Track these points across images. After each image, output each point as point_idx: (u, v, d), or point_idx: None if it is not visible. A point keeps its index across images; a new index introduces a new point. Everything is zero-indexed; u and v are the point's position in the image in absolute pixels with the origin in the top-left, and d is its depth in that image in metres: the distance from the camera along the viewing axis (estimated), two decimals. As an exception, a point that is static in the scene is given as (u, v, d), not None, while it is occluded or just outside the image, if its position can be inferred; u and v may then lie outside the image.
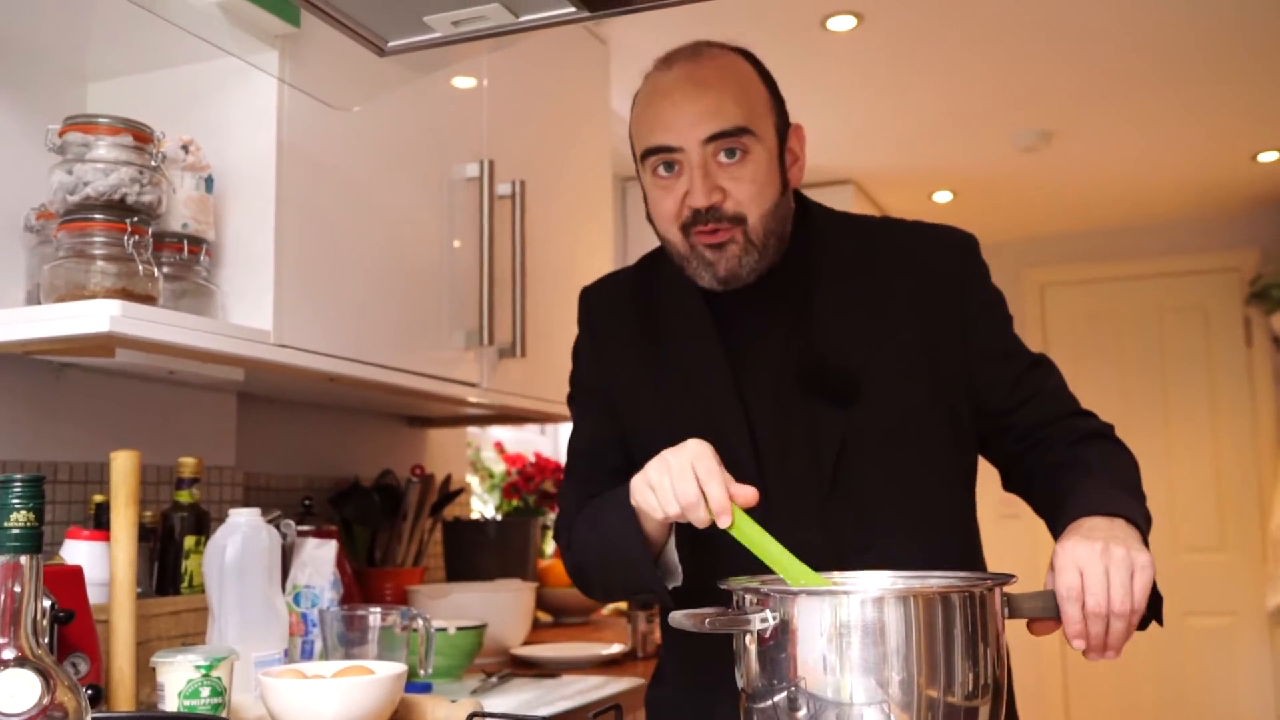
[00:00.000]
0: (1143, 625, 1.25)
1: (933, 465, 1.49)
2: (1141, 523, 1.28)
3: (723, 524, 1.21)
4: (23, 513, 0.90)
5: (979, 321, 1.53)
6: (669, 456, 1.25)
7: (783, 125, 1.50)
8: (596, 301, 1.66)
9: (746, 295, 1.50)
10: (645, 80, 1.52)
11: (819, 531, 1.41)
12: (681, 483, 1.23)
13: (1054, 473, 1.44)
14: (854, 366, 1.47)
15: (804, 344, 1.49)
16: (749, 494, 1.22)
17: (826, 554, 1.32)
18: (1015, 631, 1.20)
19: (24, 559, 0.90)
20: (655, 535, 1.36)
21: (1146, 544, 1.25)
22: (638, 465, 1.33)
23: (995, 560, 1.51)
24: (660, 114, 1.45)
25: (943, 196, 4.87)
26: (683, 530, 1.38)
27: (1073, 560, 1.18)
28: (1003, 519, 3.36)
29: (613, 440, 1.58)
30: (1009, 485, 1.56)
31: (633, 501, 1.31)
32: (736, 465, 1.34)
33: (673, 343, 1.55)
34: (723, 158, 1.43)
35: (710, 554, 1.37)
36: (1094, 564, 1.17)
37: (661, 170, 1.46)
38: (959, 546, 1.51)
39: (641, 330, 1.58)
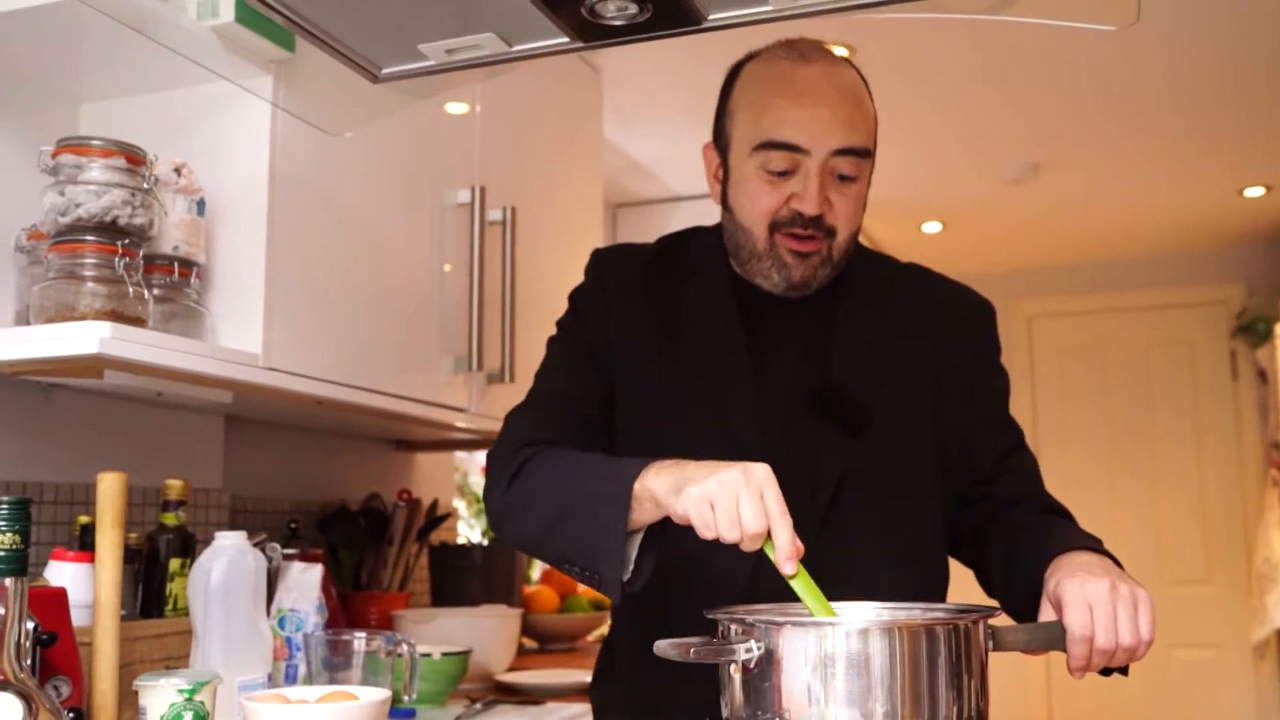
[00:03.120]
0: (1107, 674, 1.26)
1: (922, 511, 1.49)
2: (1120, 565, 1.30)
3: (787, 571, 1.14)
4: (8, 535, 0.90)
5: (985, 388, 1.56)
6: (741, 479, 1.16)
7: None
8: (612, 267, 1.61)
9: (774, 305, 1.49)
10: (767, 63, 1.47)
11: (808, 557, 1.41)
12: (751, 511, 1.14)
13: (1018, 532, 1.43)
14: (867, 399, 1.47)
15: (822, 367, 1.48)
16: (801, 547, 1.16)
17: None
18: (1000, 662, 1.21)
19: (8, 581, 0.90)
20: (634, 528, 1.28)
21: None
22: (625, 436, 1.29)
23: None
24: (795, 111, 1.41)
25: (932, 227, 4.89)
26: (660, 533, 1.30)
27: (1083, 598, 1.19)
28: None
29: (594, 393, 1.52)
30: (958, 553, 1.56)
31: (678, 508, 1.20)
32: None
33: (693, 333, 1.51)
34: (840, 172, 1.42)
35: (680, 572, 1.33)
36: (1104, 602, 1.18)
37: (775, 166, 1.42)
38: (934, 591, 1.52)
39: (657, 310, 1.54)
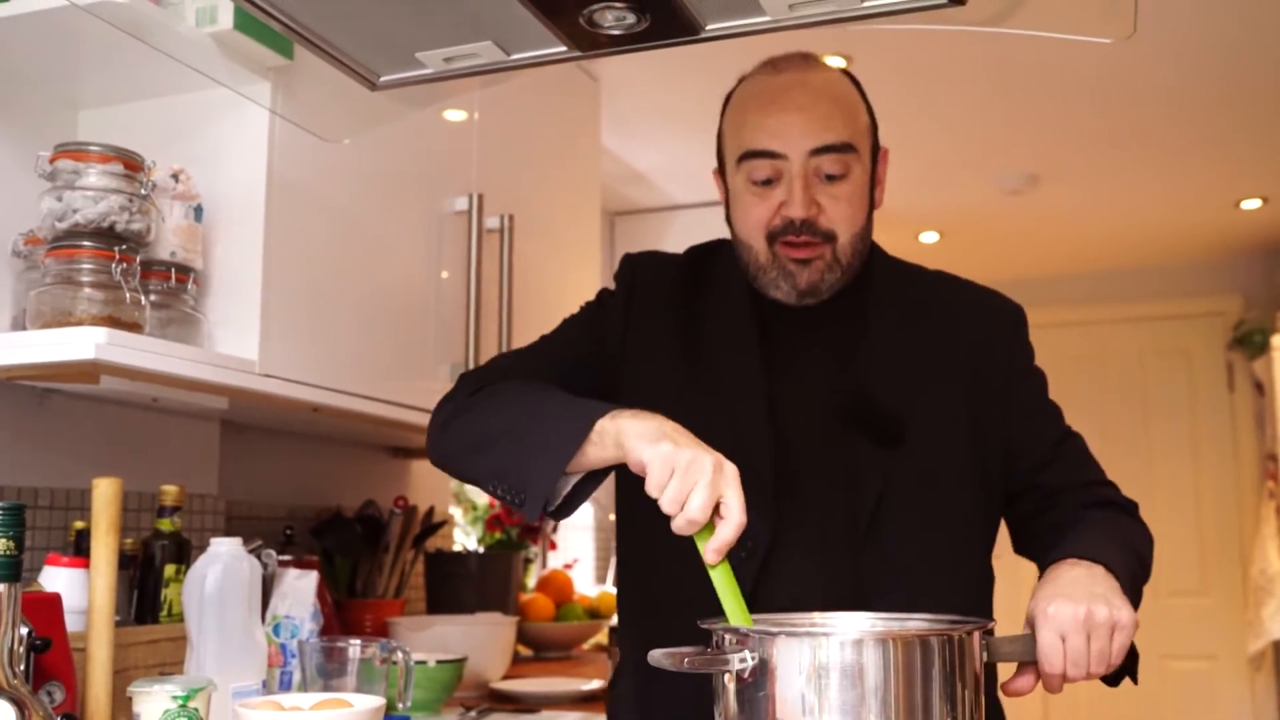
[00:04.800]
0: (1114, 681, 1.26)
1: (962, 519, 1.48)
2: (1122, 573, 1.28)
3: (709, 560, 1.15)
4: (2, 540, 0.90)
5: (1023, 385, 1.55)
6: (710, 465, 1.15)
7: (875, 148, 1.51)
8: (642, 272, 1.61)
9: (796, 318, 1.49)
10: (747, 82, 1.50)
11: (850, 570, 1.39)
12: (699, 499, 1.14)
13: (1058, 530, 1.44)
14: (901, 409, 1.46)
15: (852, 379, 1.47)
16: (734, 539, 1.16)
17: (851, 592, 1.31)
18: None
19: (2, 587, 0.90)
20: (584, 464, 1.25)
21: (1130, 595, 1.26)
22: None
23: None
24: (766, 119, 1.43)
25: (929, 237, 4.90)
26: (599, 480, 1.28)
27: (1056, 624, 1.19)
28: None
29: (587, 370, 1.52)
30: (1018, 548, 1.56)
31: (644, 453, 1.18)
32: (754, 485, 1.25)
33: (711, 346, 1.52)
34: (825, 172, 1.42)
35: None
36: (1076, 632, 1.18)
37: (758, 175, 1.43)
38: (978, 598, 1.50)
39: (679, 321, 1.54)
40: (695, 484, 1.14)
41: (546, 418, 1.29)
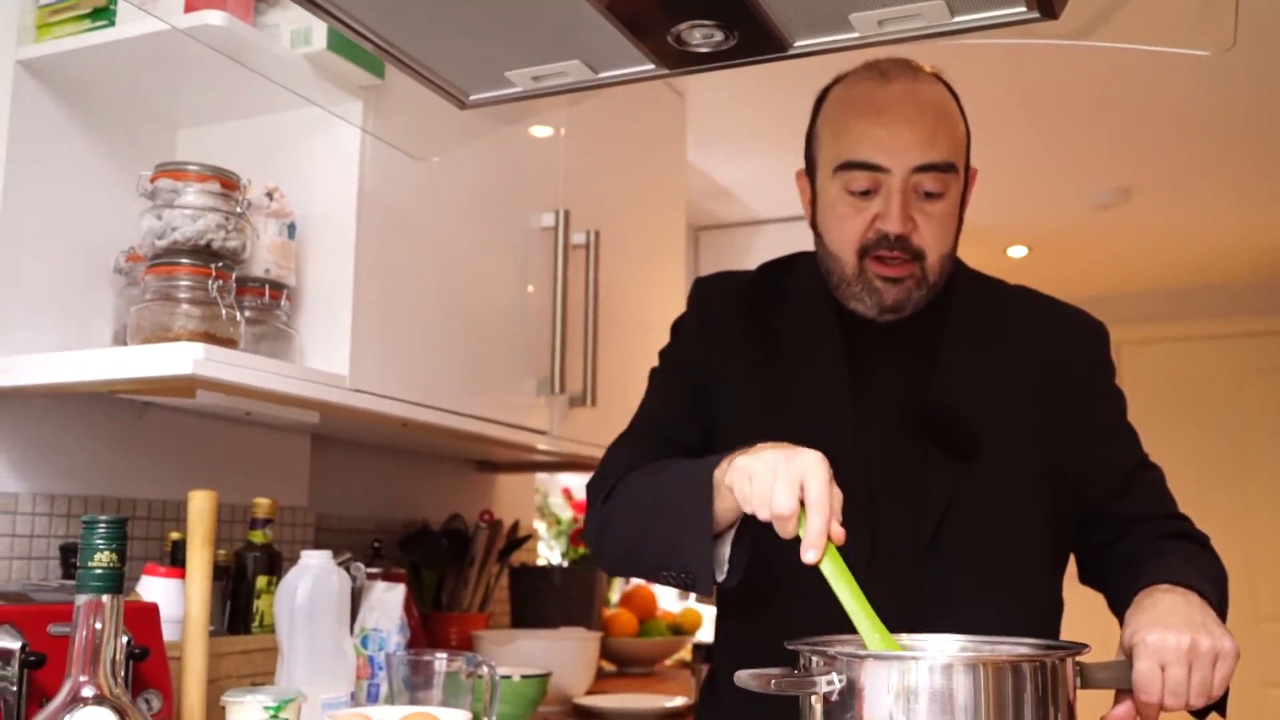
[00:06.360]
0: (1203, 714, 1.23)
1: (1031, 539, 1.46)
2: (1214, 601, 1.25)
3: (807, 559, 1.13)
4: (106, 553, 0.92)
5: (1101, 408, 1.52)
6: (783, 459, 1.15)
7: (968, 166, 1.49)
8: (713, 295, 1.61)
9: (875, 330, 1.47)
10: (849, 84, 1.47)
11: (913, 583, 1.37)
12: (783, 491, 1.13)
13: (1131, 559, 1.41)
14: (974, 424, 1.44)
15: (927, 390, 1.46)
16: (840, 533, 1.14)
17: (915, 609, 1.28)
18: (1085, 700, 1.18)
19: (105, 598, 0.92)
20: (722, 519, 1.26)
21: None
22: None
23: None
24: (875, 130, 1.40)
25: (1017, 251, 4.83)
26: (754, 530, 1.27)
27: (1156, 654, 1.16)
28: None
29: (695, 419, 1.52)
30: (1085, 577, 1.53)
31: (725, 479, 1.21)
32: (847, 497, 1.22)
33: (794, 360, 1.50)
34: (924, 189, 1.40)
35: (773, 567, 1.30)
36: (1177, 664, 1.15)
37: (856, 186, 1.42)
38: (1044, 623, 1.48)
39: (756, 338, 1.53)
40: (772, 480, 1.15)
41: (674, 497, 1.30)
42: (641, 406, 1.59)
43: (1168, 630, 1.17)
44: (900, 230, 1.40)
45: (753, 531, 1.27)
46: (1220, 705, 1.24)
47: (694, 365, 1.55)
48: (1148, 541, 1.43)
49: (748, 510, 1.17)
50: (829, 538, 1.13)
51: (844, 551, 1.15)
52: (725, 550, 1.28)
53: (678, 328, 1.63)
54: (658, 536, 1.32)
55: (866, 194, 1.42)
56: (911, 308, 1.45)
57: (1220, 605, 1.29)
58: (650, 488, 1.36)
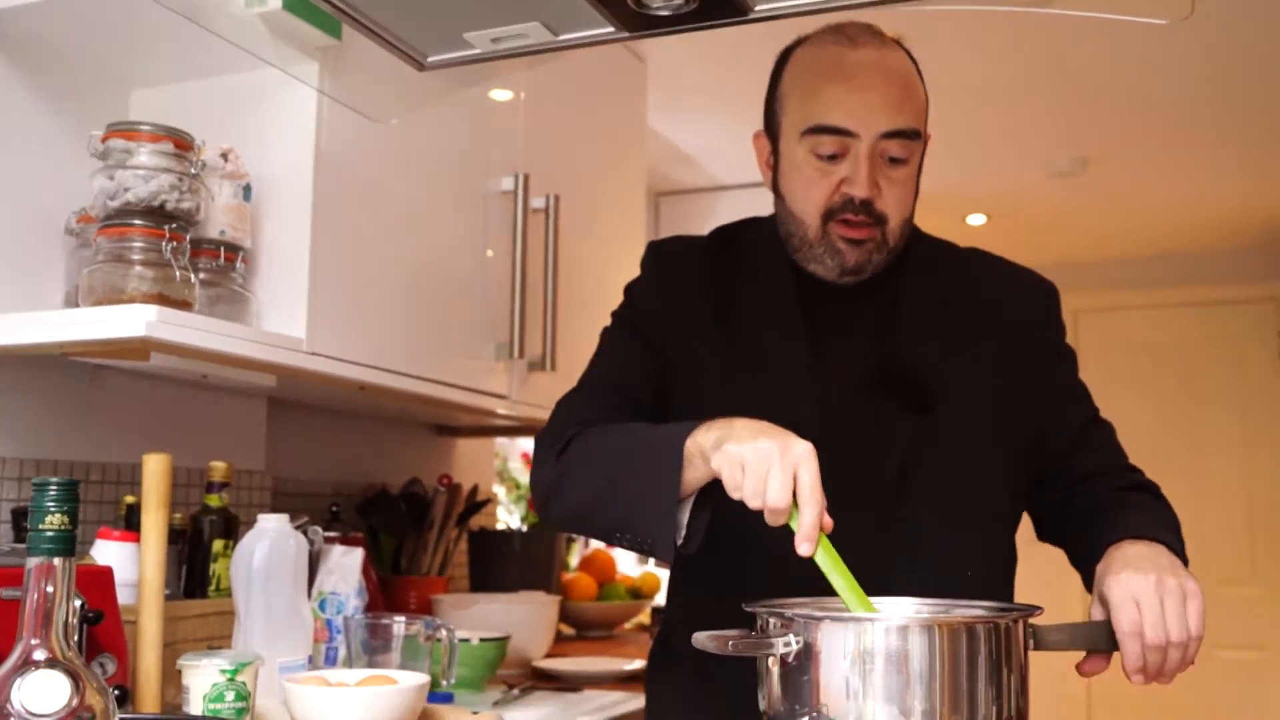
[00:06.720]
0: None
1: (989, 492, 1.48)
2: (1178, 551, 1.28)
3: (802, 552, 1.14)
4: (57, 515, 0.91)
5: (1054, 366, 1.55)
6: (777, 450, 1.15)
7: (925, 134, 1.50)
8: (670, 259, 1.61)
9: (834, 293, 1.49)
10: (815, 46, 1.47)
11: (872, 538, 1.35)
12: (777, 484, 1.13)
13: (1094, 513, 1.43)
14: (933, 380, 1.46)
15: (886, 350, 1.47)
16: (830, 523, 1.15)
17: (876, 563, 1.28)
18: (1038, 662, 1.20)
19: (57, 561, 0.91)
20: (689, 488, 1.26)
21: None
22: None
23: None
24: (842, 95, 1.40)
25: (976, 219, 4.85)
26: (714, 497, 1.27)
27: (1128, 594, 1.19)
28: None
29: (648, 377, 1.52)
30: (1043, 534, 1.56)
31: (703, 453, 1.21)
32: None
33: (752, 323, 1.51)
34: (890, 154, 1.41)
35: (736, 535, 1.31)
36: (1149, 596, 1.18)
37: (823, 150, 1.42)
38: (1000, 580, 1.51)
39: (715, 302, 1.53)
40: (766, 471, 1.14)
41: (641, 461, 1.29)
42: (593, 363, 1.59)
43: (1135, 571, 1.20)
44: (866, 195, 1.41)
45: (713, 499, 1.27)
46: None
47: (651, 327, 1.55)
48: (1107, 495, 1.46)
49: (736, 497, 1.17)
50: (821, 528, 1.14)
51: None
52: (684, 517, 1.28)
53: (632, 290, 1.62)
54: (618, 500, 1.31)
55: (834, 158, 1.42)
56: (871, 271, 1.46)
57: (1181, 554, 1.31)
58: (613, 451, 1.36)
